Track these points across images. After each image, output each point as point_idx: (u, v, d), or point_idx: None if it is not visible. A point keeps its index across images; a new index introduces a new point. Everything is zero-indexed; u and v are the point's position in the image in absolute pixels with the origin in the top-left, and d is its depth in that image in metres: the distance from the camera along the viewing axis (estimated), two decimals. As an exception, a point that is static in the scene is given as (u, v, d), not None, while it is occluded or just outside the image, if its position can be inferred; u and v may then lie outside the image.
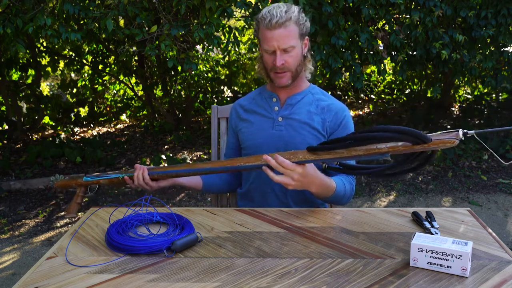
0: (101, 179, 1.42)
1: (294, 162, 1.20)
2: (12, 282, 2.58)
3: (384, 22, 3.93)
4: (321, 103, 1.53)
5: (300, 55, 1.46)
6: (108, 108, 6.97)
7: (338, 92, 7.25)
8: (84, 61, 5.97)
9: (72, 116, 6.56)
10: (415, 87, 6.95)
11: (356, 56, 3.83)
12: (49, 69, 5.97)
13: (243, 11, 3.57)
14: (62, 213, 3.58)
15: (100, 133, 6.14)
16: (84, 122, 6.68)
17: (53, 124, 6.17)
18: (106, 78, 6.38)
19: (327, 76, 3.90)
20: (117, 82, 6.48)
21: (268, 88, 1.59)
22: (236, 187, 1.69)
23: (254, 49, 4.02)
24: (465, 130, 1.05)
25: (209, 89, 6.42)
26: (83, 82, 6.47)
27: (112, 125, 6.59)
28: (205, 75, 6.18)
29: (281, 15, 1.39)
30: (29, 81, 6.11)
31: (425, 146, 1.05)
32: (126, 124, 6.63)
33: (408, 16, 3.79)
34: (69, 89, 6.60)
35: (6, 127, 5.78)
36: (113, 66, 5.99)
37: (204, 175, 1.58)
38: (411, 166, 1.12)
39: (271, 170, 1.23)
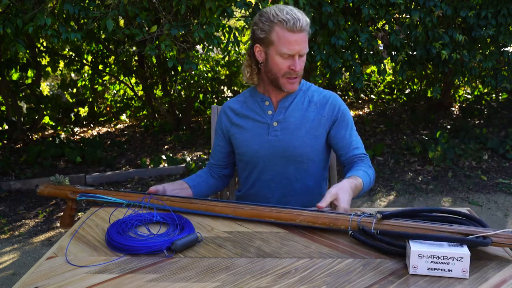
0: (97, 200, 1.36)
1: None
2: (12, 282, 2.58)
3: (384, 22, 3.93)
4: (313, 99, 1.51)
5: None
6: (108, 108, 6.97)
7: (338, 92, 7.26)
8: (84, 61, 5.97)
9: (72, 116, 6.56)
10: (415, 87, 6.95)
11: (356, 56, 3.83)
12: (49, 69, 5.98)
13: (243, 11, 3.57)
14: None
15: (100, 133, 6.14)
16: (84, 122, 6.68)
17: (53, 124, 6.17)
18: (106, 78, 6.38)
19: (327, 76, 3.90)
20: (117, 82, 6.48)
21: (259, 90, 1.54)
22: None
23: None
24: None
25: (209, 89, 6.42)
26: (83, 82, 6.48)
27: (112, 125, 6.59)
28: (205, 75, 6.18)
29: (304, 19, 1.37)
30: (29, 81, 6.11)
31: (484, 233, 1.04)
32: (126, 124, 6.63)
33: (408, 16, 3.80)
34: (69, 89, 6.60)
35: (6, 127, 5.78)
36: (113, 66, 5.99)
37: (194, 184, 1.54)
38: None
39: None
